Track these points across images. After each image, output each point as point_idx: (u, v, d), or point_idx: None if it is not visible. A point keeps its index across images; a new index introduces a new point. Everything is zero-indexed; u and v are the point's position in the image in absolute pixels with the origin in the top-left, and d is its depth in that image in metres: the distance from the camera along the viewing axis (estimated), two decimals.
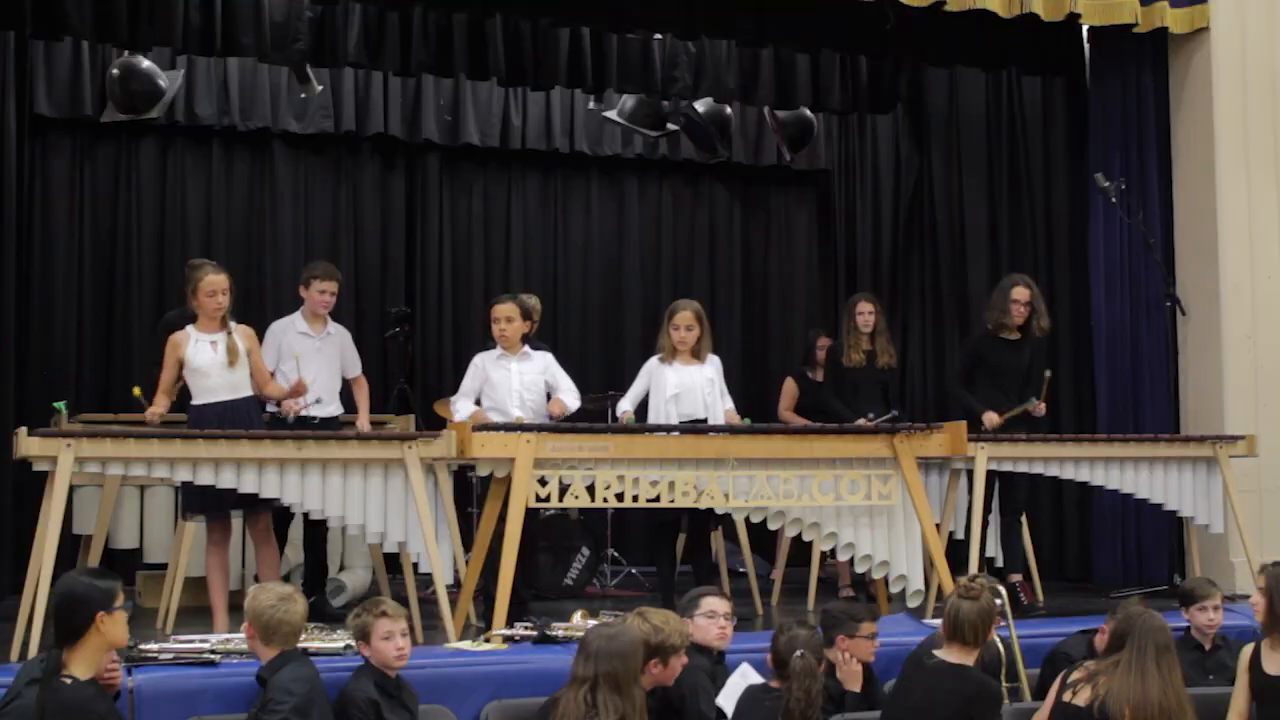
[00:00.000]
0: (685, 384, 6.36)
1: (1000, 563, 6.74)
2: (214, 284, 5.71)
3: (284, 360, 6.22)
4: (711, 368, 6.48)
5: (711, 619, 4.65)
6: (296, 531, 6.87)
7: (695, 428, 6.09)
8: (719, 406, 6.42)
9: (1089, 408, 7.66)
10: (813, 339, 8.29)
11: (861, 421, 6.57)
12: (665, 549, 6.59)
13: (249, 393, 5.79)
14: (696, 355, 6.42)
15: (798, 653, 4.19)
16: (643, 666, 4.17)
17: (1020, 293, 6.86)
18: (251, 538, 5.89)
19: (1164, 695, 3.91)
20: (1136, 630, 4.05)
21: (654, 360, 6.49)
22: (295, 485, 5.31)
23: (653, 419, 6.37)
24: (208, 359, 5.68)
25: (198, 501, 5.61)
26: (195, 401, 5.70)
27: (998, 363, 6.85)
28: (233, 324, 5.80)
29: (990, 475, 6.52)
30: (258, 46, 7.22)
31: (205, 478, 5.22)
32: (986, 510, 6.53)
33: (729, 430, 5.97)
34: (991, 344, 6.91)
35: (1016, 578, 6.73)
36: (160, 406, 5.71)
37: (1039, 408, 6.76)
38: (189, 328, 5.78)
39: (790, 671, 4.16)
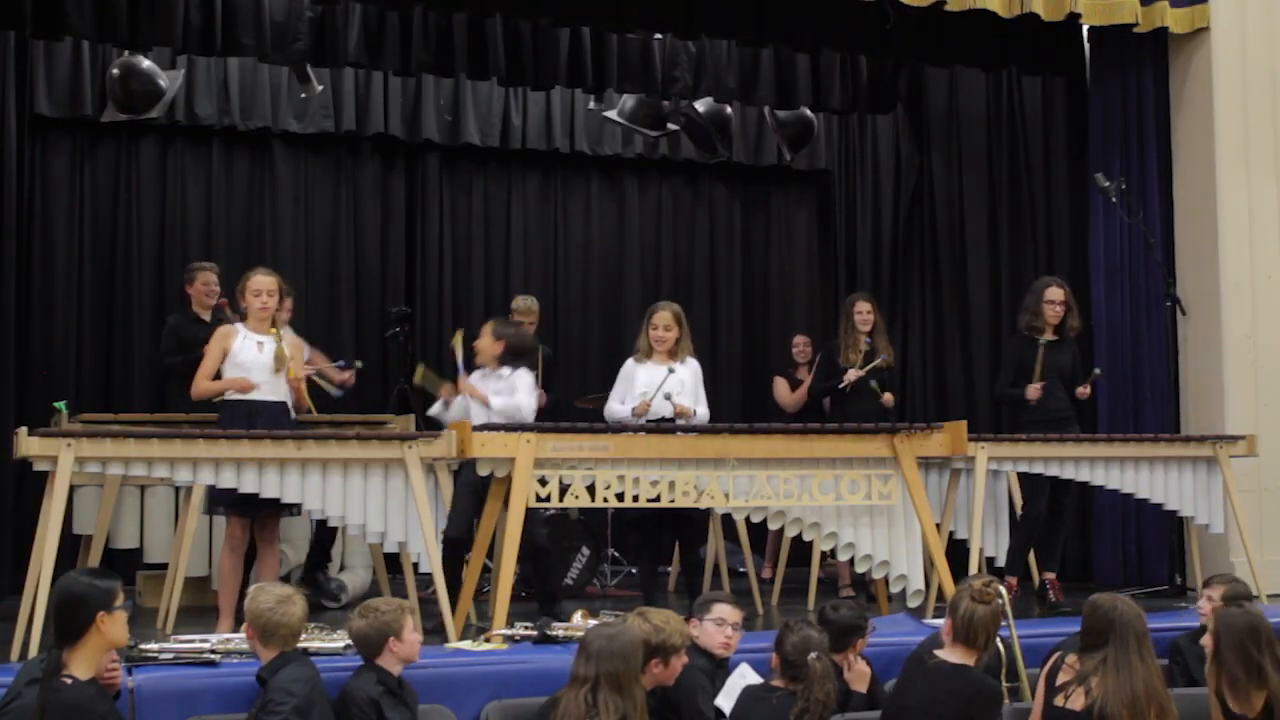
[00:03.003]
0: (655, 383, 6.35)
1: (1000, 562, 6.75)
2: (261, 284, 5.80)
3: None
4: (687, 370, 6.46)
5: (720, 626, 4.62)
6: (296, 531, 6.88)
7: (695, 427, 6.09)
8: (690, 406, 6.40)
9: (1089, 407, 7.65)
10: (791, 340, 8.40)
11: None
12: (645, 547, 6.60)
13: (284, 397, 5.82)
14: (673, 356, 6.44)
15: (813, 655, 4.18)
16: (643, 666, 4.17)
17: (1055, 293, 6.90)
18: (259, 539, 5.88)
19: (1148, 683, 3.92)
20: (1116, 624, 4.05)
21: (629, 361, 6.54)
22: (295, 485, 5.31)
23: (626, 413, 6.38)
24: (252, 357, 5.72)
25: (228, 495, 5.57)
26: (229, 396, 5.72)
27: (1048, 364, 6.84)
28: (281, 331, 5.83)
29: (1031, 477, 6.64)
30: (258, 46, 7.23)
31: (205, 478, 5.22)
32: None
33: (729, 430, 5.96)
34: (1030, 346, 6.92)
35: (1050, 575, 6.81)
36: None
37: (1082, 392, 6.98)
38: (238, 324, 5.84)
39: (811, 675, 4.14)
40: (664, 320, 6.46)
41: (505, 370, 6.22)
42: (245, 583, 5.76)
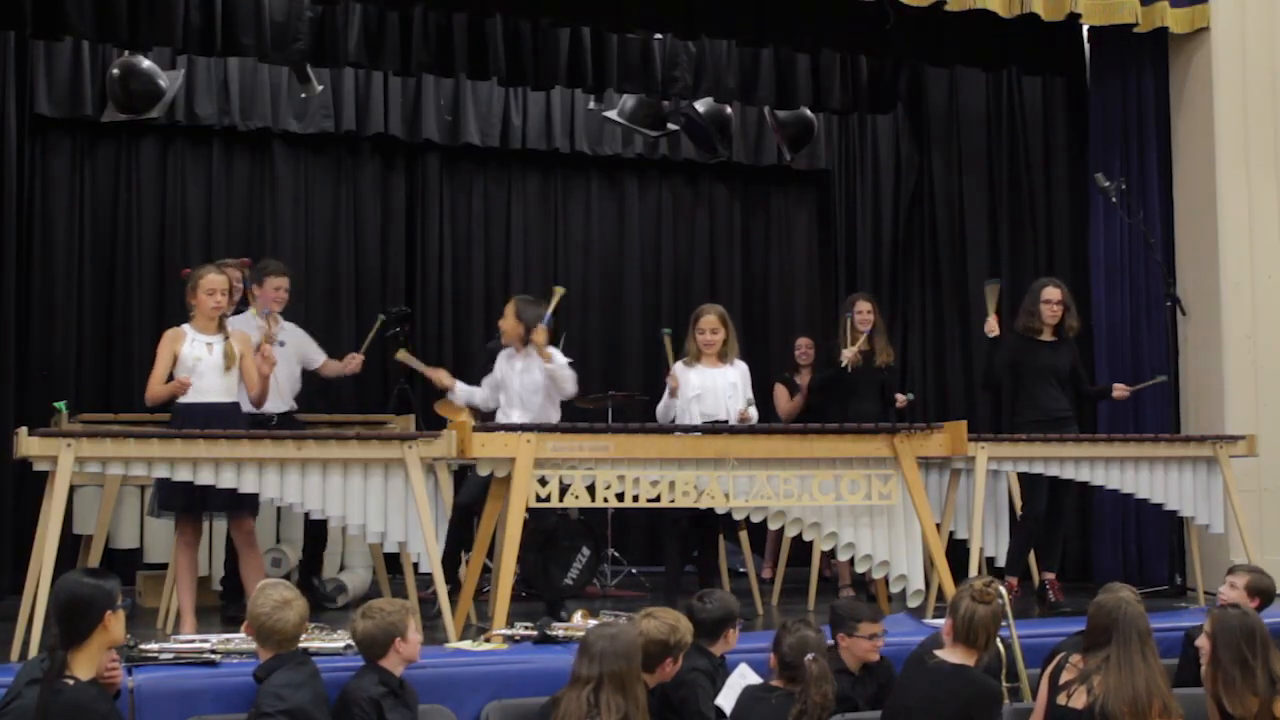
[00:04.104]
0: (708, 385, 6.41)
1: (1000, 562, 6.75)
2: (214, 284, 5.73)
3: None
4: (736, 372, 6.52)
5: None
6: (295, 531, 6.88)
7: (695, 427, 6.09)
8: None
9: (1089, 407, 7.66)
10: (792, 342, 8.41)
11: None
12: (675, 546, 6.59)
13: (235, 398, 5.78)
14: (722, 358, 6.47)
15: (810, 656, 4.19)
16: (657, 664, 4.24)
17: (1051, 293, 6.89)
18: (235, 541, 5.85)
19: (1150, 682, 3.91)
20: (1119, 623, 4.05)
21: (679, 364, 6.58)
22: (295, 485, 5.31)
23: (678, 420, 6.41)
24: (202, 359, 5.68)
25: (179, 500, 5.56)
26: (181, 400, 5.67)
27: (1040, 364, 6.86)
28: (229, 327, 5.80)
29: (1031, 477, 6.65)
30: (258, 46, 7.22)
31: (205, 477, 5.21)
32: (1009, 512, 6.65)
33: (728, 430, 5.97)
34: (1027, 345, 6.92)
35: (1050, 575, 6.83)
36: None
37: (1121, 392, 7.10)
38: (185, 326, 5.77)
39: (807, 676, 4.15)
40: (710, 324, 6.52)
41: (530, 349, 6.28)
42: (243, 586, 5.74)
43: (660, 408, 6.56)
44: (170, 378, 5.67)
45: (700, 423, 6.28)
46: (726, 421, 6.31)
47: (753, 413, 6.48)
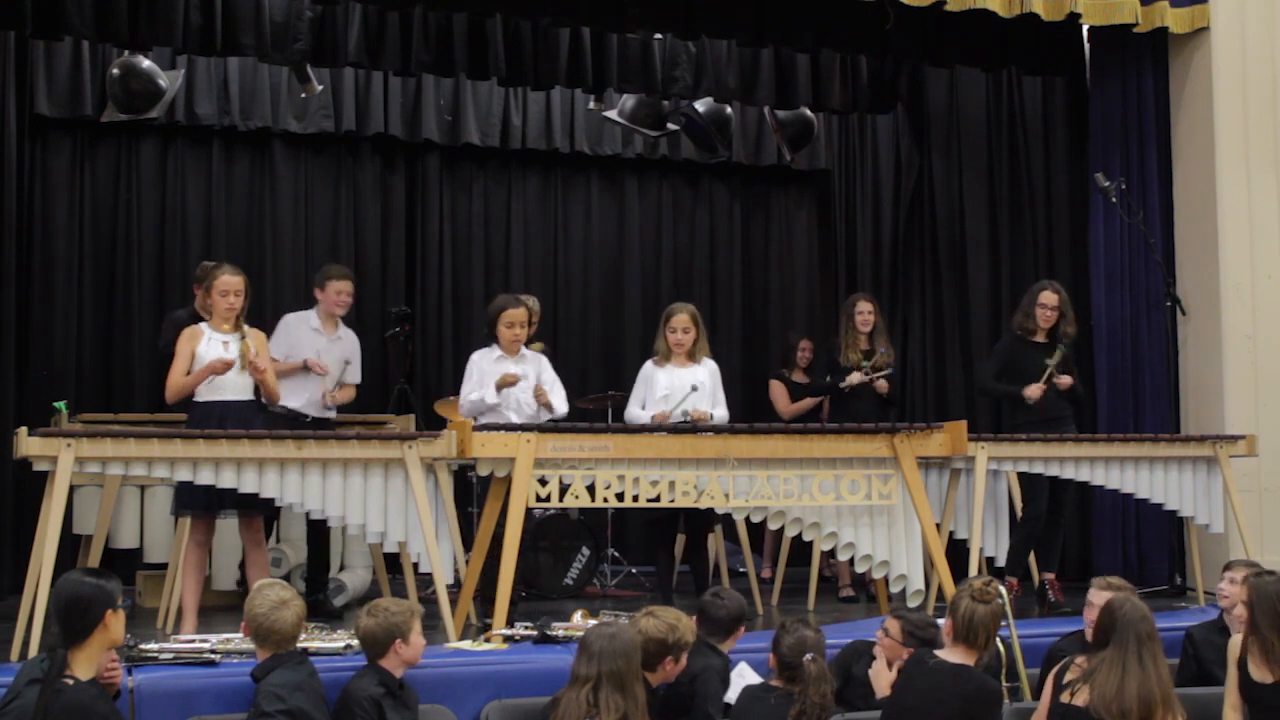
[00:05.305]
0: (675, 385, 6.40)
1: (1000, 562, 6.75)
2: (228, 284, 5.76)
3: (293, 355, 6.33)
4: (705, 371, 6.49)
5: None
6: (297, 531, 6.88)
7: (696, 427, 6.09)
8: (707, 410, 6.41)
9: (1089, 407, 7.66)
10: (793, 341, 8.39)
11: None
12: (663, 547, 6.60)
13: (252, 395, 5.80)
14: (692, 358, 6.46)
15: (809, 656, 4.19)
16: (657, 663, 4.24)
17: (1048, 298, 6.91)
18: (244, 540, 5.86)
19: (1142, 685, 3.91)
20: (1119, 624, 4.06)
21: (649, 364, 6.56)
22: (295, 485, 5.31)
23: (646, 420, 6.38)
24: (218, 357, 5.69)
25: (200, 500, 5.59)
26: (198, 398, 5.69)
27: (1037, 364, 6.86)
28: (246, 326, 5.81)
29: (1031, 477, 6.65)
30: (258, 46, 7.22)
31: (205, 477, 5.21)
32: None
33: (729, 430, 5.96)
34: (1023, 346, 6.94)
35: (1050, 575, 6.83)
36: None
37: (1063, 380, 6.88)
38: (202, 324, 5.80)
39: (805, 676, 4.15)
40: (682, 323, 6.49)
41: (523, 351, 6.29)
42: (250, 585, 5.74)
43: (635, 417, 6.50)
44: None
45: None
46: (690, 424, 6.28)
47: (720, 414, 6.44)
